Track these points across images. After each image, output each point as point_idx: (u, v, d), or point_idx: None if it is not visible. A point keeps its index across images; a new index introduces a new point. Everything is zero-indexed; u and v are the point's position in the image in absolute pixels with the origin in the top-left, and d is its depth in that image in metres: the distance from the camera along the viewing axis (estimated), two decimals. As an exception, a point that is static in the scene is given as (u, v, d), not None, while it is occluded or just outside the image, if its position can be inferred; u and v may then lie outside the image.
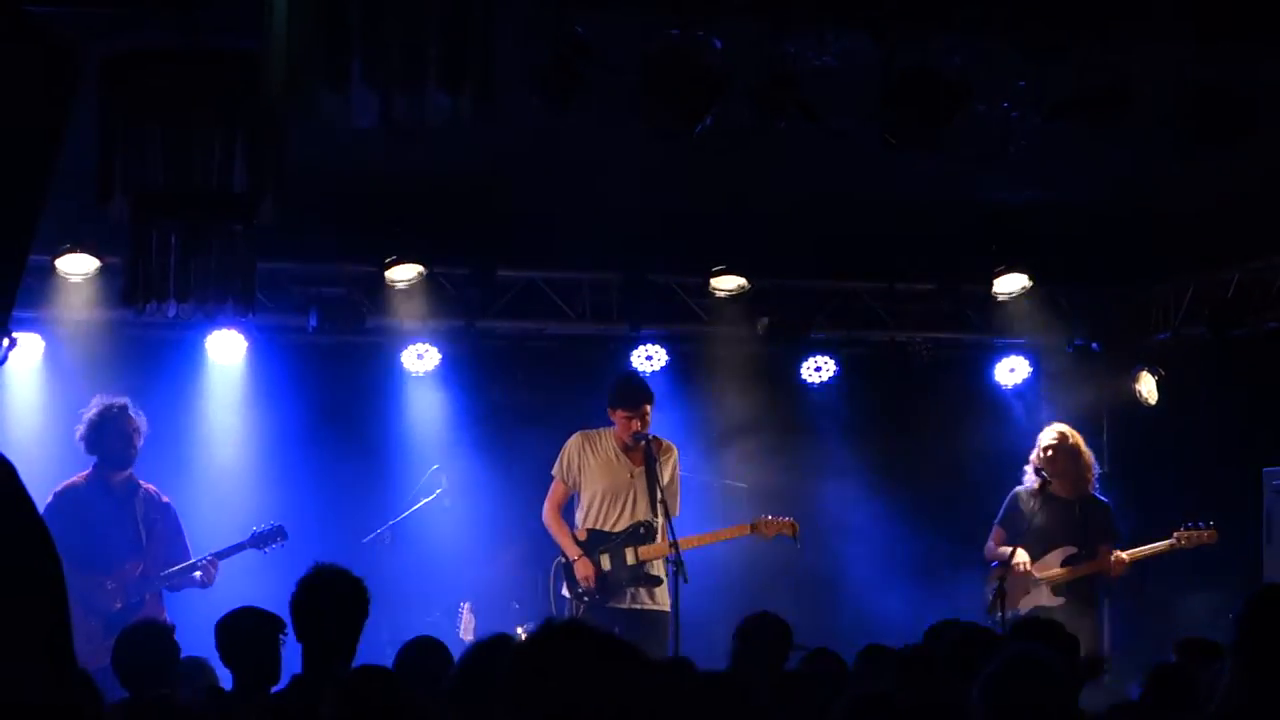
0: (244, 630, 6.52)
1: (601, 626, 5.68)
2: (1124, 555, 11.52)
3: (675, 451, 11.02)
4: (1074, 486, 11.42)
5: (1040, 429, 12.09)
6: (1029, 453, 11.59)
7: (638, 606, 10.68)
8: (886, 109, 8.23)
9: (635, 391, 10.91)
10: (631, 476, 10.82)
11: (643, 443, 10.70)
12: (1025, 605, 11.15)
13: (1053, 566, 11.35)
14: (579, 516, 10.92)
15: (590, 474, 10.87)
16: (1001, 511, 11.63)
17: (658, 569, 10.68)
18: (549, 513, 10.96)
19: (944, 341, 13.17)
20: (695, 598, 10.66)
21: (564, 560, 10.82)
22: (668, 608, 10.46)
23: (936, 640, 6.89)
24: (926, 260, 12.50)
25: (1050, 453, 11.44)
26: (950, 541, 12.12)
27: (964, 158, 9.21)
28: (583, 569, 10.67)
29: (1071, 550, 11.37)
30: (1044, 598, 11.25)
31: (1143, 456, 12.99)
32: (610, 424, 10.93)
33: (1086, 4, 7.87)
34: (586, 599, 10.67)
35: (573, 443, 10.97)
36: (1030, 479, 11.58)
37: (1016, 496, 11.61)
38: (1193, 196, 11.01)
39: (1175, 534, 11.43)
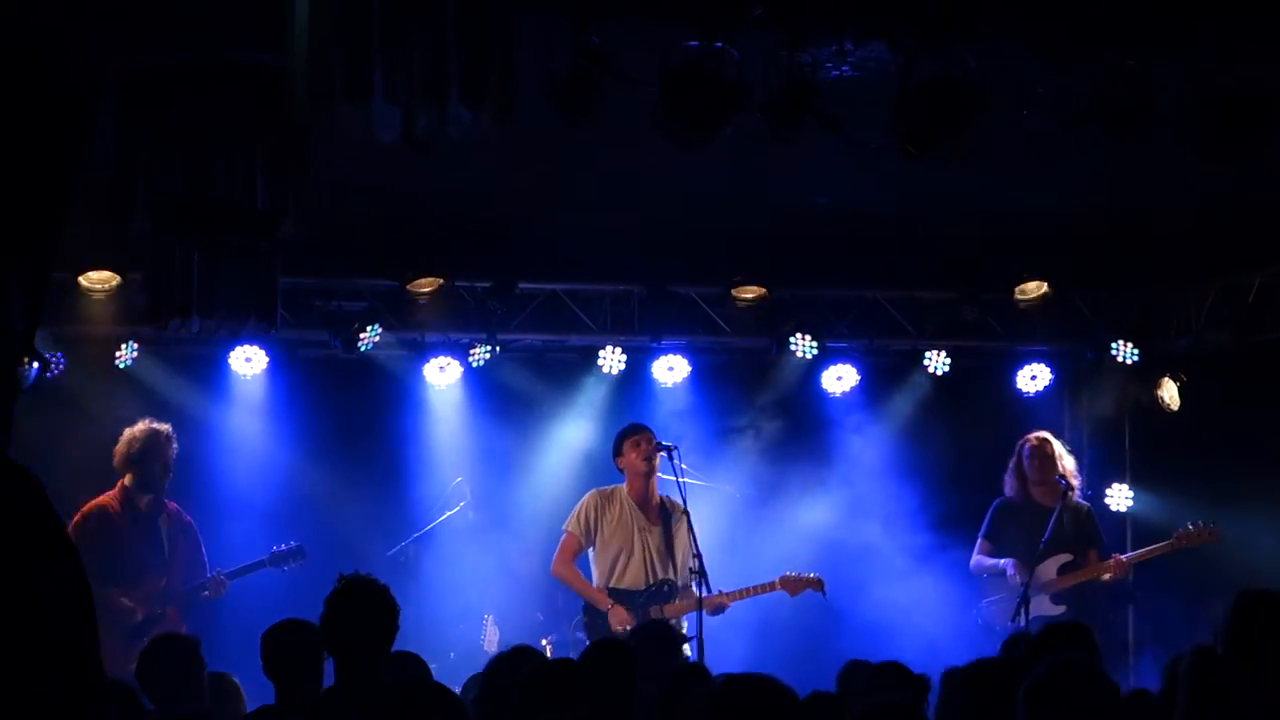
0: (288, 642, 6.50)
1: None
2: (1124, 558, 11.55)
3: (688, 513, 10.95)
4: (1058, 494, 11.40)
5: (1062, 436, 12.10)
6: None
7: None
8: (904, 118, 8.23)
9: (634, 425, 11.02)
10: (647, 534, 10.84)
11: (668, 453, 10.66)
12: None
13: (1050, 575, 11.36)
14: (596, 575, 10.93)
15: (606, 532, 10.88)
16: (985, 524, 11.65)
17: (681, 625, 10.70)
18: (563, 566, 10.95)
19: (965, 349, 13.16)
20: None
21: (584, 619, 10.84)
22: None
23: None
24: (947, 268, 12.49)
25: (1036, 462, 11.49)
26: (970, 549, 12.08)
27: (983, 165, 9.20)
28: (618, 618, 10.66)
29: (1066, 558, 11.39)
30: (1045, 607, 11.25)
31: (1165, 462, 12.96)
32: (620, 480, 10.96)
33: (1104, 10, 7.86)
34: None
35: (589, 500, 10.99)
36: (1011, 489, 11.62)
37: (1000, 508, 11.64)
38: (1213, 202, 10.99)
39: (1176, 534, 11.45)
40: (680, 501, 10.60)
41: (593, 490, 11.10)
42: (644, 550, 10.82)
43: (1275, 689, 5.15)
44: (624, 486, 10.99)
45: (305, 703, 6.41)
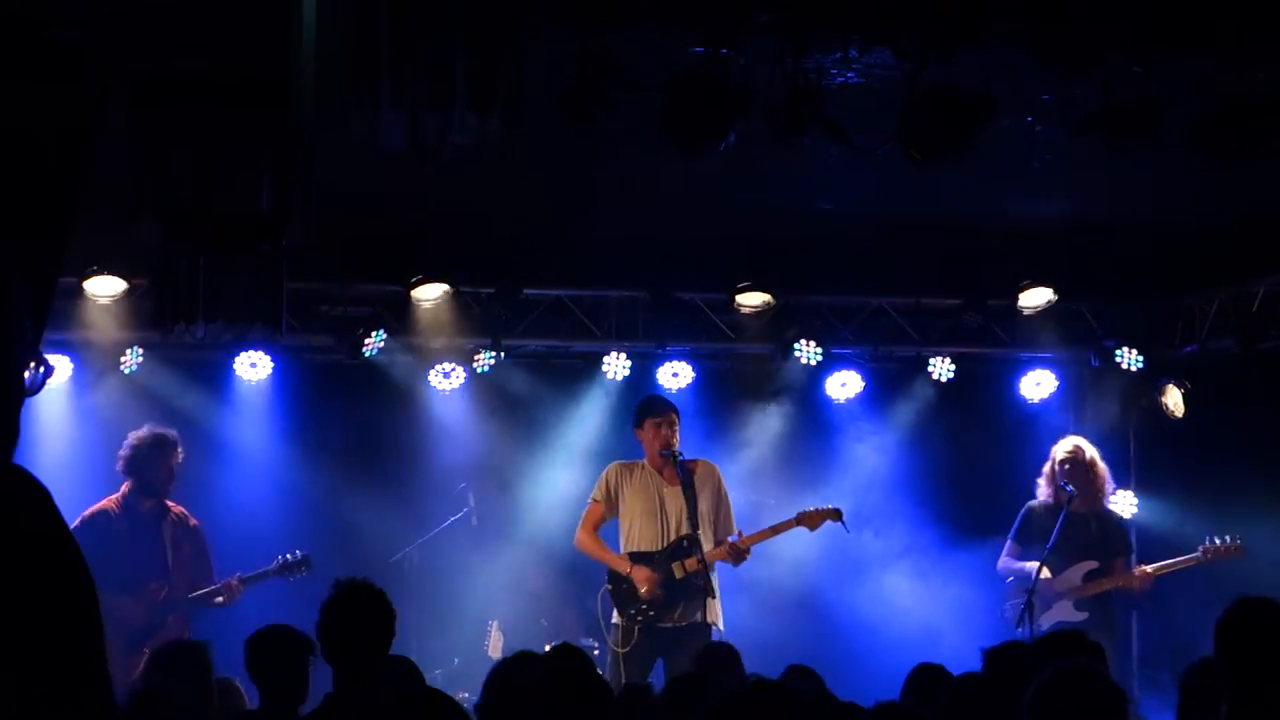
0: (273, 647, 6.52)
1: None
2: (1148, 569, 11.50)
3: (717, 469, 11.00)
4: (1088, 500, 11.41)
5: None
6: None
7: (687, 621, 10.64)
8: (910, 125, 8.24)
9: (661, 401, 11.01)
10: (667, 495, 10.81)
11: (672, 458, 10.69)
12: (1048, 620, 11.14)
13: (1074, 581, 11.34)
14: (621, 543, 10.91)
15: (629, 499, 10.86)
16: (1015, 526, 11.62)
17: (712, 576, 10.67)
18: (585, 535, 10.93)
19: (969, 356, 13.15)
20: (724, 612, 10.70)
21: (609, 587, 10.80)
22: (717, 620, 10.50)
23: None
24: (952, 275, 12.49)
25: (1067, 466, 11.45)
26: (976, 556, 12.08)
27: (989, 172, 9.20)
28: (640, 577, 10.64)
29: (1092, 565, 11.37)
30: (1067, 612, 11.23)
31: (1169, 470, 12.95)
32: (640, 455, 10.95)
33: (1110, 18, 7.87)
34: (640, 619, 10.62)
35: (611, 469, 10.98)
36: (1044, 493, 11.58)
37: (1030, 511, 11.61)
38: (1218, 209, 10.99)
39: (1202, 547, 11.42)
40: (704, 458, 10.77)
41: (614, 462, 11.09)
42: (662, 509, 10.79)
43: (1268, 695, 5.13)
44: (643, 460, 10.97)
45: (290, 708, 6.43)
